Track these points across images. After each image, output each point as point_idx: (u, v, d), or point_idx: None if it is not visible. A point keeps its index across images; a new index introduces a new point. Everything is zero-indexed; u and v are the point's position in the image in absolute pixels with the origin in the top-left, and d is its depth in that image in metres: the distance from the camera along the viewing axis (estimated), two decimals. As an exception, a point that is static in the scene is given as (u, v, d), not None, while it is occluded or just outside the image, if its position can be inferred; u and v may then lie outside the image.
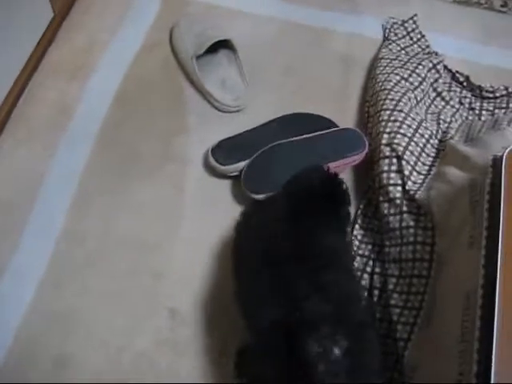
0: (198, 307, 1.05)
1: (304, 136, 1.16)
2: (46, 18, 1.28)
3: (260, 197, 1.11)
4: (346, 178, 1.20)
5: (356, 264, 1.10)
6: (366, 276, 1.09)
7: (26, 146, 1.18)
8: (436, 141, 1.16)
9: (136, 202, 1.14)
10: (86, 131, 1.21)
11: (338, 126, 1.22)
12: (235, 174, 1.15)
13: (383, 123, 1.14)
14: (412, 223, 1.04)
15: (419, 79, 1.23)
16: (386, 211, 1.08)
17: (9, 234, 1.09)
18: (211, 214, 1.15)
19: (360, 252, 1.11)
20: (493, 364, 0.68)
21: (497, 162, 0.83)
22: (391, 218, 1.06)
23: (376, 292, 1.06)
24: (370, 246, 1.12)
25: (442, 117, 1.22)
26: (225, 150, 1.15)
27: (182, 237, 1.12)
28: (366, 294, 1.06)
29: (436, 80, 1.28)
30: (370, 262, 1.10)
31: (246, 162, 1.13)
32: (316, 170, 1.01)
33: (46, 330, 1.02)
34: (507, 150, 0.82)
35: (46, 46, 1.29)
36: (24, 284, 1.05)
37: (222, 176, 1.17)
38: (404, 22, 1.43)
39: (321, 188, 0.96)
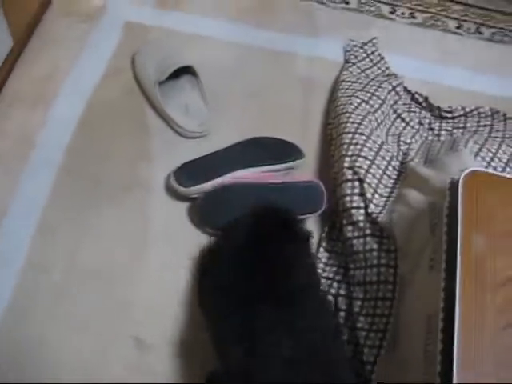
0: (165, 335, 1.05)
1: (263, 182, 1.16)
2: (5, 47, 1.26)
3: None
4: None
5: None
6: (330, 298, 1.09)
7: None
8: (397, 163, 1.18)
9: (101, 231, 1.14)
10: (48, 160, 1.20)
11: (300, 150, 1.23)
12: (197, 196, 1.15)
13: (345, 146, 1.16)
14: (375, 246, 1.05)
15: (379, 101, 1.25)
16: (349, 234, 1.09)
17: (-29, 266, 1.07)
18: (177, 239, 1.15)
19: (325, 274, 1.12)
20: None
21: (454, 185, 0.84)
22: (355, 241, 1.08)
23: (342, 314, 1.07)
24: (334, 269, 1.13)
25: (402, 138, 1.25)
26: (186, 173, 1.15)
27: (149, 264, 1.11)
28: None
29: (396, 102, 1.31)
30: (335, 284, 1.11)
31: (208, 184, 1.14)
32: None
33: (12, 361, 1.00)
34: (463, 175, 0.84)
35: (6, 76, 1.27)
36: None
37: (187, 200, 1.17)
38: (364, 44, 1.46)
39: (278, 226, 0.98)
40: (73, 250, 1.11)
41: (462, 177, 0.84)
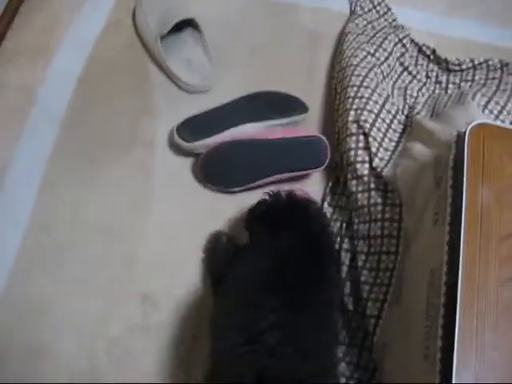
0: (169, 291, 1.05)
1: (264, 138, 1.14)
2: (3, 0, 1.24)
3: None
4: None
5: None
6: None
7: (-10, 133, 1.16)
8: (403, 116, 1.16)
9: (104, 187, 1.13)
10: (50, 116, 1.19)
11: (304, 104, 1.21)
12: (201, 151, 1.14)
13: (350, 100, 1.14)
14: (380, 200, 1.05)
15: (385, 54, 1.23)
16: (354, 188, 1.08)
17: (-26, 224, 1.07)
18: (181, 195, 1.14)
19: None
20: (456, 340, 0.69)
21: (460, 138, 0.83)
22: (359, 196, 1.07)
23: (344, 268, 1.07)
24: (338, 224, 1.12)
25: (408, 92, 1.22)
26: (190, 128, 1.14)
27: (152, 220, 1.11)
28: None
29: (402, 54, 1.28)
30: (338, 239, 1.11)
31: (211, 138, 1.13)
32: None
33: (19, 319, 1.01)
34: (470, 126, 0.82)
35: (5, 29, 1.25)
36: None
37: (190, 155, 1.16)
38: (370, -6, 1.42)
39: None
40: (75, 206, 1.11)
41: (468, 129, 0.82)
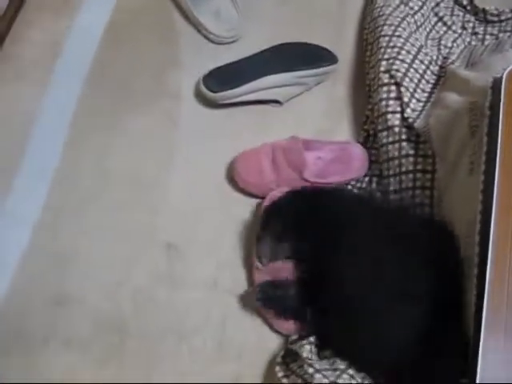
0: (193, 240, 1.05)
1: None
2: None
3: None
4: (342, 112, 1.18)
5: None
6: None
7: (15, 86, 1.16)
8: (436, 67, 1.12)
9: (130, 138, 1.13)
10: (76, 69, 1.18)
11: (334, 55, 1.18)
12: (227, 101, 1.13)
13: (382, 50, 1.10)
14: (412, 151, 1.01)
15: (419, 3, 1.18)
16: (384, 140, 1.05)
17: (2, 177, 1.08)
18: (207, 146, 1.13)
19: (358, 185, 1.10)
20: (486, 290, 0.67)
21: (496, 84, 0.79)
22: (390, 147, 1.04)
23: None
24: (367, 178, 1.10)
25: (443, 42, 1.18)
26: (216, 78, 1.13)
27: (178, 170, 1.11)
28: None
29: (437, 4, 1.23)
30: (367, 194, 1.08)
31: (238, 89, 1.11)
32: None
33: (45, 269, 1.02)
34: (507, 71, 0.78)
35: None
36: (20, 226, 1.05)
37: (217, 106, 1.15)
38: None
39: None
40: (101, 155, 1.11)
41: (505, 73, 0.78)
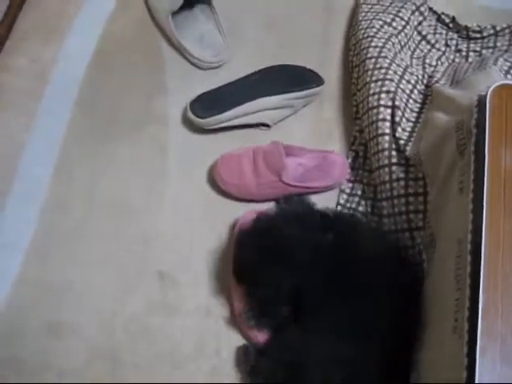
0: (186, 268, 1.04)
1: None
2: (13, -18, 1.23)
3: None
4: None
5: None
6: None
7: (3, 115, 1.16)
8: (423, 86, 1.13)
9: (120, 165, 1.13)
10: (64, 96, 1.18)
11: (320, 76, 1.18)
12: (215, 127, 1.13)
13: (369, 72, 1.11)
14: (402, 175, 1.01)
15: (402, 23, 1.19)
16: (376, 164, 1.06)
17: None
18: (196, 172, 1.13)
19: (348, 205, 1.10)
20: (480, 309, 0.67)
21: (481, 101, 0.79)
22: (381, 171, 1.04)
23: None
24: (356, 199, 1.11)
25: (427, 61, 1.19)
26: (203, 104, 1.13)
27: (168, 198, 1.10)
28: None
29: (420, 23, 1.24)
30: (357, 215, 1.09)
31: (225, 114, 1.11)
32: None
33: (37, 299, 1.01)
34: (491, 88, 0.79)
35: (17, 10, 1.24)
36: (10, 254, 1.04)
37: (205, 132, 1.15)
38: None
39: None
40: (91, 184, 1.11)
41: (490, 91, 0.79)
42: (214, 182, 1.11)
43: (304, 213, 0.99)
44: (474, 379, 0.64)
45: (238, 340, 0.99)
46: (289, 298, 0.92)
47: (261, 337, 0.96)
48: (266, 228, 0.95)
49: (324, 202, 1.08)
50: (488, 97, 0.78)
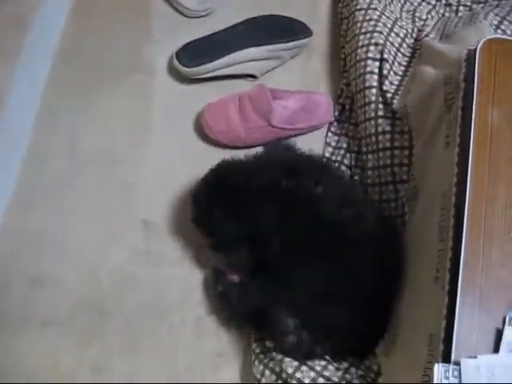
0: (171, 217, 1.04)
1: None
2: None
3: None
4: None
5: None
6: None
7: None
8: (412, 40, 1.12)
9: (103, 115, 1.11)
10: (44, 44, 1.16)
11: (308, 28, 1.17)
12: (201, 76, 1.12)
13: (358, 24, 1.09)
14: (388, 128, 1.01)
15: (393, -25, 1.17)
16: (362, 117, 1.05)
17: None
18: (182, 122, 1.12)
19: (333, 158, 1.10)
20: (462, 257, 0.68)
21: (471, 55, 0.79)
22: (367, 124, 1.04)
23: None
24: (342, 152, 1.11)
25: (417, 14, 1.17)
26: (190, 53, 1.11)
27: (152, 147, 1.10)
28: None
29: (411, -25, 1.22)
30: (343, 168, 1.09)
31: (212, 64, 1.10)
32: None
33: (19, 250, 1.01)
34: (481, 43, 0.78)
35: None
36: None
37: (191, 81, 1.13)
38: None
39: None
40: (74, 134, 1.09)
41: (479, 45, 0.78)
42: (201, 131, 1.10)
43: (283, 160, 0.97)
44: (452, 328, 0.65)
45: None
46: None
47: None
48: (222, 175, 0.94)
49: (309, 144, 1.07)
50: (477, 51, 0.78)
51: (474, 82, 0.77)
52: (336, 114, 1.14)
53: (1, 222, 1.02)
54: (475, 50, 0.78)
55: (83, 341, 0.95)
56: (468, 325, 0.64)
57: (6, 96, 1.11)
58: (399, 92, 1.03)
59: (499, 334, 0.64)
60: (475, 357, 0.62)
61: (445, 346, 0.65)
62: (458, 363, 0.62)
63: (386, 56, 1.04)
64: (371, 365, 0.89)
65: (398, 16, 1.14)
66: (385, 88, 1.02)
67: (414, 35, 1.13)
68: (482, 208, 0.71)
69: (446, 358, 0.63)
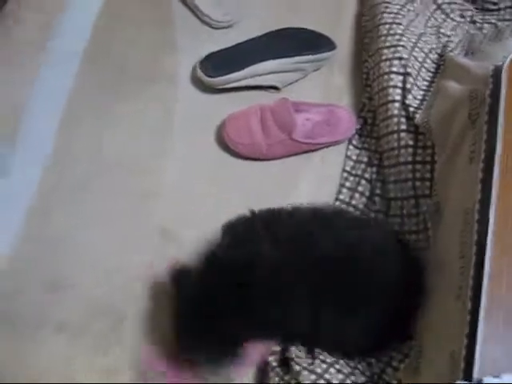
0: (190, 227, 1.04)
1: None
2: None
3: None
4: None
5: (349, 184, 1.09)
6: (357, 196, 1.08)
7: (6, 70, 1.13)
8: (436, 55, 1.11)
9: (125, 121, 1.11)
10: (69, 50, 1.16)
11: (332, 41, 1.17)
12: (224, 86, 1.12)
13: (382, 38, 1.09)
14: (411, 142, 1.01)
15: (418, -10, 1.17)
16: (384, 130, 1.05)
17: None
18: (202, 132, 1.12)
19: (354, 172, 1.10)
20: (485, 278, 0.67)
21: (497, 72, 0.79)
22: (389, 137, 1.03)
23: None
24: (363, 166, 1.10)
25: (442, 30, 1.17)
26: (213, 63, 1.12)
27: (174, 157, 1.10)
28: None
29: (436, -9, 1.22)
30: (363, 182, 1.09)
31: (235, 74, 1.10)
32: None
33: (39, 253, 1.01)
34: (508, 59, 0.78)
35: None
36: (14, 211, 1.03)
37: (213, 91, 1.13)
38: None
39: None
40: (96, 140, 1.09)
41: (507, 61, 0.78)
42: (222, 141, 1.10)
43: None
44: (474, 346, 0.64)
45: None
46: None
47: None
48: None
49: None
50: (504, 67, 0.77)
51: (500, 98, 0.76)
52: (358, 127, 1.14)
53: (21, 228, 1.02)
54: (502, 66, 0.78)
55: (98, 346, 0.95)
56: (491, 343, 0.63)
57: (30, 101, 1.11)
58: (422, 106, 1.03)
59: (524, 353, 0.63)
60: (498, 376, 0.61)
61: (466, 364, 0.64)
62: (480, 382, 0.61)
63: (409, 70, 1.04)
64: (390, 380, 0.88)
65: (423, 31, 1.14)
66: (407, 102, 1.02)
67: (439, 51, 1.12)
68: (506, 225, 0.70)
69: (468, 377, 0.63)
